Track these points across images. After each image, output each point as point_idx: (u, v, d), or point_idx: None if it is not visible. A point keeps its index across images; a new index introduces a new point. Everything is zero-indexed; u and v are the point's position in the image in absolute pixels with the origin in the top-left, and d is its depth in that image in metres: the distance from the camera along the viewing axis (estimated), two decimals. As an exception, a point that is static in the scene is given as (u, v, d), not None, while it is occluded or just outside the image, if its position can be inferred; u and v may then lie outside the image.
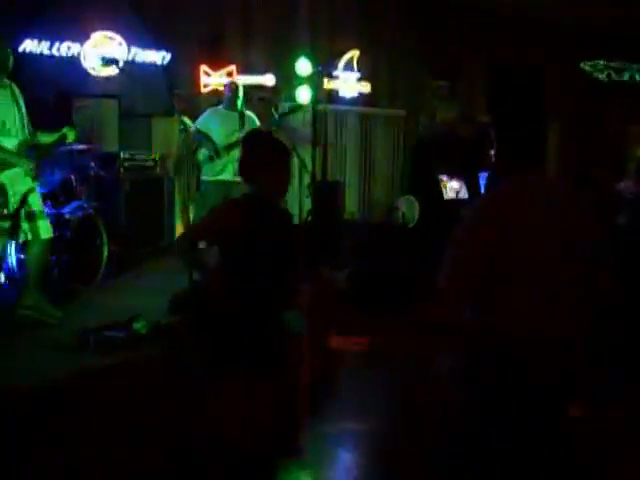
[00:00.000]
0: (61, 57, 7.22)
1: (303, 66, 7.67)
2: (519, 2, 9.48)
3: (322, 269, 6.32)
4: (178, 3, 8.02)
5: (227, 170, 6.47)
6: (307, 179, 7.00)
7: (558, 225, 2.42)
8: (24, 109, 4.82)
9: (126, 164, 6.96)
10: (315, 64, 7.63)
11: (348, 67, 9.03)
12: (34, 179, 4.75)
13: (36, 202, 4.79)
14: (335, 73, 8.93)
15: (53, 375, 3.93)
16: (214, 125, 6.47)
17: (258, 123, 6.67)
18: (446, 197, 9.01)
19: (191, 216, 7.51)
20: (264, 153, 3.20)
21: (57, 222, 5.53)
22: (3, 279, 5.23)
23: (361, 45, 9.18)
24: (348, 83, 9.08)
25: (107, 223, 5.94)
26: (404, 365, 4.46)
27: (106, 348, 4.21)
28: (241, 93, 6.67)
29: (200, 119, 6.57)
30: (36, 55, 7.07)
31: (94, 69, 7.34)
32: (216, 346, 3.11)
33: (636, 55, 11.13)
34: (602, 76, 11.31)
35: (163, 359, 4.04)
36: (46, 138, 4.98)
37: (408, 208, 8.85)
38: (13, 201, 4.66)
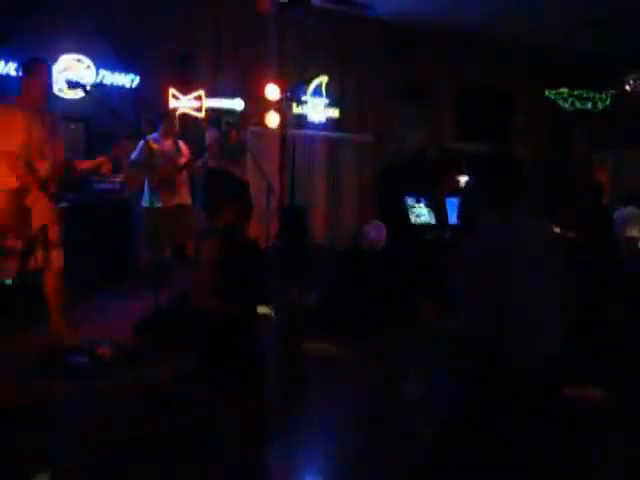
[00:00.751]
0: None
1: (272, 91, 7.74)
2: (487, 29, 9.67)
3: (290, 291, 6.35)
4: (147, 26, 8.06)
5: (173, 196, 6.54)
6: (274, 203, 7.06)
7: (545, 255, 2.63)
8: (61, 135, 4.92)
9: (93, 187, 6.94)
10: (284, 89, 7.70)
11: (317, 92, 9.11)
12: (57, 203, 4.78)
13: (55, 231, 4.82)
14: (303, 98, 9.00)
15: (14, 399, 3.89)
16: (157, 153, 6.51)
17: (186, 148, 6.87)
18: (413, 221, 9.08)
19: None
20: (221, 190, 3.31)
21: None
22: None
23: (329, 70, 9.28)
24: (316, 108, 9.16)
25: (75, 246, 5.90)
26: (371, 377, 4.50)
27: (72, 373, 4.17)
28: (177, 122, 6.92)
29: (140, 148, 6.57)
30: (3, 76, 7.04)
31: (62, 92, 7.33)
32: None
33: (599, 83, 11.42)
34: (566, 104, 11.56)
35: (128, 384, 4.02)
36: (81, 164, 5.06)
37: (376, 232, 8.90)
38: (39, 220, 4.68)
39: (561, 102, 11.53)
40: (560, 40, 9.94)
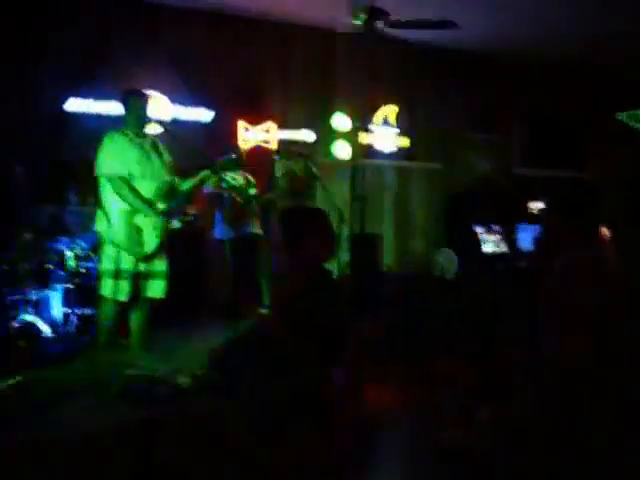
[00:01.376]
0: (105, 115, 7.44)
1: (341, 121, 7.80)
2: (553, 52, 9.55)
3: (361, 322, 6.31)
4: (218, 61, 8.26)
5: (246, 225, 6.72)
6: (345, 232, 7.06)
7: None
8: (167, 158, 5.15)
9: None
10: (353, 119, 7.74)
11: (385, 122, 9.14)
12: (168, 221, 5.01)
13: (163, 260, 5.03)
14: (372, 128, 9.04)
15: (92, 429, 3.98)
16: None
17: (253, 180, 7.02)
18: (484, 250, 8.97)
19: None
20: (302, 226, 3.29)
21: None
22: (49, 331, 5.36)
23: (397, 100, 9.31)
24: (385, 137, 9.18)
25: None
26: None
27: (150, 401, 4.23)
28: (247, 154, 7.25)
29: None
30: (81, 114, 7.30)
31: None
32: (265, 400, 3.15)
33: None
34: (640, 126, 11.28)
35: (205, 415, 4.05)
36: (185, 185, 5.23)
37: (446, 261, 8.82)
38: (152, 245, 4.89)
39: (634, 124, 11.25)
40: (630, 59, 9.72)
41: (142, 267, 4.92)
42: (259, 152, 8.08)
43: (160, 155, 5.12)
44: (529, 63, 9.96)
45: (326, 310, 3.23)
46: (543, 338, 2.56)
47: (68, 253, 5.79)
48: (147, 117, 5.12)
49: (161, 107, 7.64)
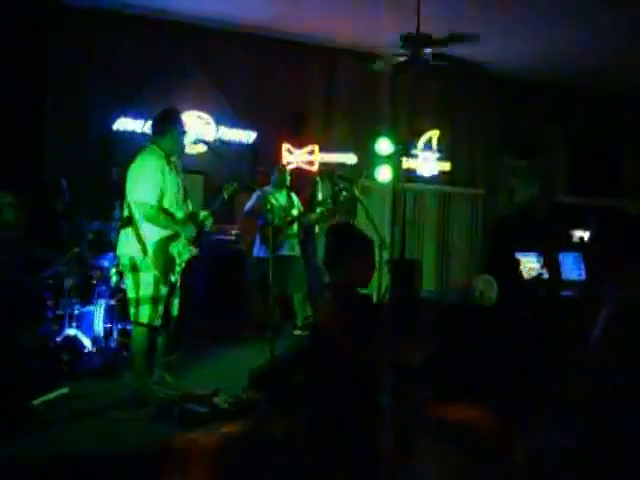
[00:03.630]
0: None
1: (383, 145, 7.81)
2: (599, 79, 9.47)
3: (401, 348, 6.27)
4: (263, 84, 8.36)
5: (283, 246, 6.67)
6: (385, 255, 7.05)
7: None
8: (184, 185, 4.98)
9: (210, 237, 7.17)
10: (395, 143, 7.75)
11: (427, 146, 9.14)
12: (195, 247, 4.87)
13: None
14: (414, 152, 9.05)
15: (133, 445, 4.01)
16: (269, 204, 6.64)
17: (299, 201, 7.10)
18: (525, 277, 8.87)
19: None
20: (346, 246, 3.27)
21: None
22: (90, 346, 5.44)
23: (440, 124, 9.31)
24: (427, 162, 9.17)
25: (189, 296, 6.09)
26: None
27: (189, 421, 4.25)
28: (288, 175, 7.09)
29: (254, 200, 6.73)
30: (129, 133, 7.44)
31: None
32: (311, 424, 3.14)
33: None
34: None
35: (244, 436, 4.06)
36: (202, 214, 5.04)
37: (486, 287, 8.74)
38: (178, 270, 4.82)
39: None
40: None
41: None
42: (302, 174, 8.12)
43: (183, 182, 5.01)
44: (573, 91, 9.89)
45: (363, 335, 3.22)
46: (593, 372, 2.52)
47: (112, 269, 5.88)
48: (182, 139, 4.93)
49: (206, 128, 7.75)
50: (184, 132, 4.94)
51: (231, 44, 8.16)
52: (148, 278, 4.63)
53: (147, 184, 4.58)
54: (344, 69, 8.91)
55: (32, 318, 5.32)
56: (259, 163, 8.12)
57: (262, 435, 3.97)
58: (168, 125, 4.80)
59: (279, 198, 6.92)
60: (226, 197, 5.11)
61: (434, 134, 9.16)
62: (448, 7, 7.02)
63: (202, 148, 7.43)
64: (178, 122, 4.87)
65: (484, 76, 9.45)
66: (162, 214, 4.61)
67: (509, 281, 8.70)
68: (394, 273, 7.19)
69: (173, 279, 4.82)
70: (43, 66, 6.60)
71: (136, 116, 7.48)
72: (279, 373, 4.73)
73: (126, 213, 4.71)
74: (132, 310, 4.73)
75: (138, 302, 4.65)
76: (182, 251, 4.79)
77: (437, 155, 9.21)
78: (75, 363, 5.26)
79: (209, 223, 5.05)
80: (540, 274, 8.89)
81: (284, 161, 8.07)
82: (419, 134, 9.13)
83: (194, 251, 4.87)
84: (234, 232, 7.46)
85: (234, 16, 7.70)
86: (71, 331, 5.43)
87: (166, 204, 4.66)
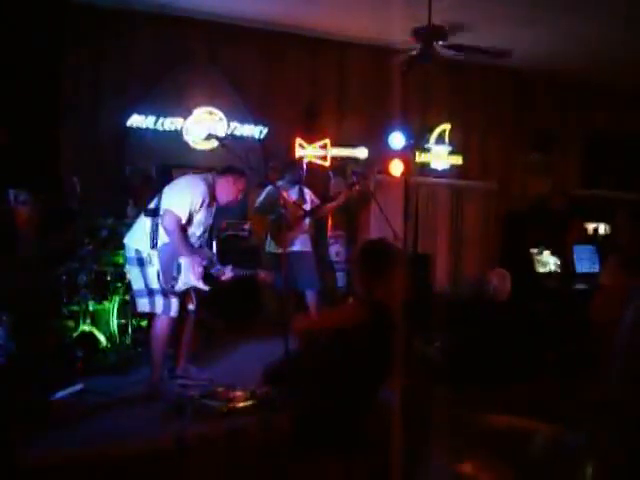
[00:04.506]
0: (164, 131, 7.59)
1: (396, 139, 7.79)
2: (615, 72, 9.39)
3: (414, 344, 6.27)
4: (275, 80, 8.36)
5: (296, 242, 6.63)
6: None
7: None
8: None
9: (222, 234, 7.18)
10: (407, 137, 7.73)
11: (440, 140, 9.11)
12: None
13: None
14: (427, 146, 9.02)
15: (147, 440, 4.03)
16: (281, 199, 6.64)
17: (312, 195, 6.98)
18: (538, 271, 8.83)
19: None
20: (378, 265, 3.28)
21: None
22: (105, 342, 5.46)
23: (453, 118, 9.27)
24: (439, 156, 9.14)
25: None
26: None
27: (203, 416, 4.26)
28: (303, 171, 7.05)
29: (265, 195, 6.74)
30: (142, 129, 7.47)
31: (195, 143, 7.68)
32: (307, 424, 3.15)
33: None
34: None
35: (259, 431, 4.07)
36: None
37: (500, 281, 8.70)
38: (182, 285, 4.86)
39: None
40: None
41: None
42: (314, 168, 8.12)
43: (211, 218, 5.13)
44: (587, 84, 9.83)
45: (379, 338, 3.21)
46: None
47: (126, 265, 5.90)
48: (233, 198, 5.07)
49: (218, 123, 7.76)
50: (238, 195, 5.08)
51: (243, 40, 8.15)
52: (154, 272, 4.76)
53: (186, 200, 4.74)
54: (356, 63, 8.90)
55: (48, 315, 5.35)
56: (271, 158, 8.12)
57: (276, 430, 3.97)
58: (229, 181, 5.02)
59: (291, 193, 6.90)
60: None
61: (446, 128, 9.12)
62: (460, 0, 6.98)
63: (214, 144, 7.44)
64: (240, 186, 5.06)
65: (497, 68, 9.40)
66: (179, 231, 4.73)
67: (523, 275, 8.67)
68: (407, 268, 7.17)
69: (178, 288, 4.88)
70: (57, 64, 6.62)
71: (149, 113, 7.49)
72: (292, 369, 4.73)
73: (153, 205, 4.85)
74: (141, 301, 4.85)
75: (151, 293, 4.79)
76: (188, 270, 4.83)
77: (450, 149, 9.18)
78: (90, 359, 5.29)
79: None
80: (554, 268, 8.87)
81: (296, 156, 8.06)
82: (431, 128, 9.10)
83: (203, 286, 4.92)
84: (246, 228, 7.46)
85: (246, 12, 7.69)
86: (86, 327, 5.46)
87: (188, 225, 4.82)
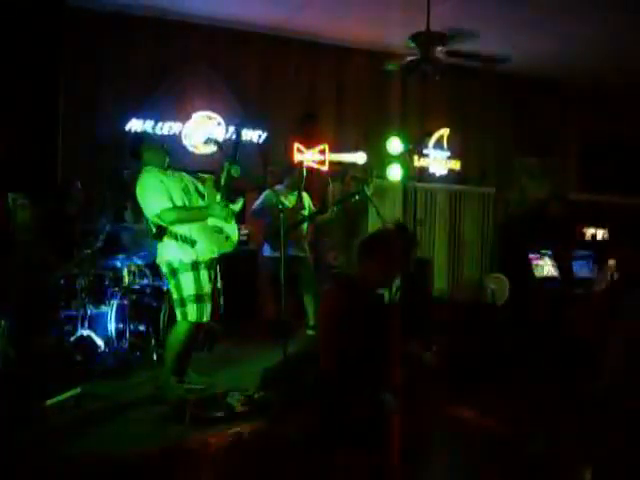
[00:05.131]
0: (163, 135, 7.59)
1: (394, 144, 7.80)
2: (613, 76, 9.41)
3: (412, 348, 6.27)
4: (273, 84, 8.38)
5: (291, 246, 6.58)
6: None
7: None
8: (202, 189, 5.11)
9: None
10: (406, 142, 7.74)
11: (438, 145, 9.12)
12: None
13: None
14: (425, 151, 9.03)
15: (145, 446, 4.02)
16: (279, 203, 6.64)
17: (310, 201, 7.09)
18: (537, 275, 8.85)
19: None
20: (363, 247, 3.32)
21: (155, 293, 5.82)
22: (103, 347, 5.46)
23: (451, 123, 9.28)
24: (438, 161, 9.15)
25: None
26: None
27: (201, 422, 4.26)
28: (304, 176, 7.05)
29: (263, 199, 6.74)
30: (141, 134, 7.46)
31: (194, 147, 7.69)
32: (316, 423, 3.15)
33: None
34: None
35: (257, 435, 4.06)
36: (234, 206, 5.09)
37: (498, 286, 8.72)
38: (233, 233, 5.02)
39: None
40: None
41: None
42: (313, 174, 8.13)
43: (196, 187, 5.12)
44: (585, 88, 9.85)
45: (374, 334, 3.23)
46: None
47: (124, 270, 5.91)
48: (168, 163, 5.02)
49: (217, 128, 7.77)
50: (158, 145, 5.07)
51: (242, 44, 8.17)
52: (188, 277, 4.76)
53: (154, 193, 4.75)
54: (354, 68, 8.90)
55: (46, 319, 5.35)
56: (270, 163, 8.14)
57: (274, 435, 3.97)
58: (137, 149, 5.02)
59: (290, 198, 6.91)
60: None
61: (445, 133, 9.13)
62: (459, 5, 7.00)
63: (212, 148, 7.44)
64: (144, 141, 5.15)
65: (495, 73, 9.42)
66: (182, 210, 4.78)
67: (521, 280, 8.69)
68: (405, 273, 7.18)
69: (232, 243, 5.02)
70: (56, 67, 6.63)
71: (148, 117, 7.49)
72: (291, 373, 4.74)
73: (153, 230, 4.86)
74: (178, 310, 4.85)
75: (183, 302, 4.79)
76: (223, 221, 4.90)
77: (448, 154, 9.19)
78: (88, 363, 5.29)
79: (236, 171, 5.00)
80: (552, 273, 8.88)
81: (295, 161, 8.07)
82: (430, 133, 9.10)
83: (236, 205, 4.99)
84: (244, 232, 7.46)
85: (244, 16, 7.70)
86: (84, 332, 5.46)
87: (178, 203, 4.82)
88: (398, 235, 3.51)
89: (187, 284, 4.76)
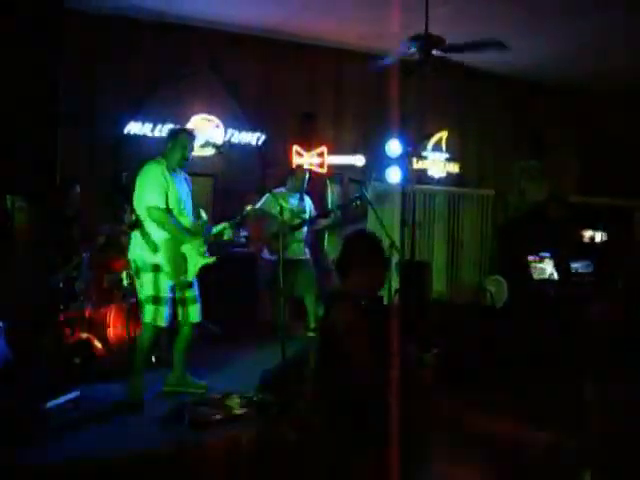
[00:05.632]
0: (161, 138, 7.58)
1: (393, 147, 7.81)
2: (612, 78, 9.42)
3: (411, 349, 6.25)
4: (272, 87, 8.38)
5: (290, 249, 6.59)
6: (396, 258, 7.04)
7: None
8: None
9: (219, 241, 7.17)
10: (405, 145, 7.75)
11: (437, 148, 9.13)
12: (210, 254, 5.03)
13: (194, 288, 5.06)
14: (424, 153, 9.04)
15: (144, 448, 4.01)
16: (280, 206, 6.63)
17: (311, 204, 7.04)
18: (535, 277, 8.84)
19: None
20: (360, 253, 3.28)
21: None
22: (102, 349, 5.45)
23: (449, 126, 9.29)
24: (437, 163, 9.16)
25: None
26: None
27: (200, 424, 4.25)
28: (305, 179, 6.99)
29: (263, 201, 6.74)
30: (139, 136, 7.47)
31: (192, 150, 7.67)
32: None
33: None
34: None
35: (256, 438, 4.06)
36: (218, 227, 5.24)
37: (496, 288, 8.72)
38: (192, 271, 4.94)
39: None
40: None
41: (180, 294, 4.98)
42: (312, 176, 8.13)
43: (190, 193, 5.20)
44: (585, 90, 9.85)
45: (373, 340, 3.22)
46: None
47: (122, 272, 5.90)
48: (190, 156, 5.17)
49: (216, 131, 7.77)
50: (188, 149, 5.13)
51: (241, 47, 8.17)
52: (148, 278, 4.80)
53: (153, 188, 4.81)
54: (353, 71, 8.91)
55: (45, 321, 5.34)
56: (268, 165, 8.14)
57: (274, 437, 3.97)
58: (173, 142, 5.04)
59: (291, 201, 6.89)
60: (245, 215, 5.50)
61: (443, 135, 9.14)
62: (457, 8, 7.01)
63: (211, 151, 7.46)
64: (183, 139, 5.09)
65: (494, 74, 9.43)
66: (170, 218, 4.83)
67: (519, 282, 8.68)
68: (404, 275, 7.19)
69: (185, 279, 4.92)
70: (56, 70, 6.62)
71: (147, 120, 7.49)
72: (290, 375, 4.74)
73: (134, 217, 4.91)
74: (141, 310, 4.89)
75: (142, 302, 4.85)
76: (192, 254, 4.92)
77: (447, 156, 9.20)
78: (87, 366, 5.27)
79: (228, 234, 5.27)
80: (551, 274, 8.87)
81: (293, 163, 8.07)
82: (429, 135, 9.12)
83: (209, 259, 5.00)
84: (243, 235, 7.46)
85: (244, 19, 7.70)
86: (83, 334, 5.45)
87: (171, 206, 4.88)
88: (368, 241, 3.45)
89: (147, 284, 4.80)
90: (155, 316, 4.80)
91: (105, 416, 4.52)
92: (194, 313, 5.04)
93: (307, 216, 6.95)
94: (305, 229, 6.94)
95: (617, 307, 7.21)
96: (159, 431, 4.29)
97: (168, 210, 4.83)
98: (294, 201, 6.89)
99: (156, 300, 4.80)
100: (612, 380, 5.35)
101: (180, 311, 5.01)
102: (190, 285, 5.01)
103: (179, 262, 4.85)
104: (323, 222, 7.13)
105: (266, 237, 6.87)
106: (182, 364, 5.08)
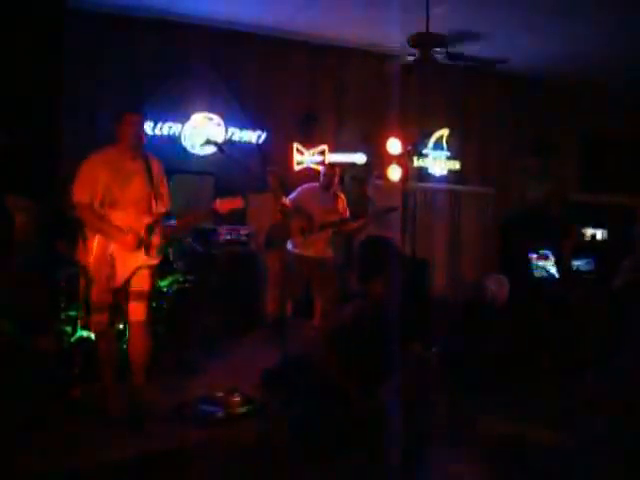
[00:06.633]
0: (162, 136, 7.60)
1: (394, 145, 7.80)
2: (612, 76, 9.41)
3: (412, 348, 6.26)
4: (273, 85, 8.38)
5: (313, 247, 6.54)
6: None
7: None
8: (163, 184, 4.67)
9: (221, 239, 7.19)
10: (405, 143, 7.74)
11: (438, 145, 9.12)
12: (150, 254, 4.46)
13: (139, 283, 4.49)
14: (425, 151, 9.03)
15: (149, 445, 4.02)
16: (312, 202, 6.58)
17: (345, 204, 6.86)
18: (536, 275, 8.84)
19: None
20: (379, 261, 3.31)
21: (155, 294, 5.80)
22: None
23: (450, 123, 9.29)
24: (437, 161, 9.16)
25: (202, 296, 6.11)
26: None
27: (203, 422, 4.26)
28: (337, 178, 6.81)
29: (297, 194, 6.69)
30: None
31: (194, 148, 7.69)
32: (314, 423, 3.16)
33: None
34: None
35: (258, 436, 4.06)
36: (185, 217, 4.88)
37: (497, 286, 8.70)
38: (121, 277, 4.43)
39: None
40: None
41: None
42: (312, 174, 8.13)
43: (150, 178, 4.57)
44: (585, 88, 9.84)
45: (376, 340, 3.24)
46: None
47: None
48: (140, 138, 4.63)
49: (217, 129, 7.77)
50: (136, 130, 4.64)
51: (242, 45, 8.18)
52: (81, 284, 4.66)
53: (82, 186, 4.49)
54: (354, 69, 8.91)
55: (46, 320, 5.34)
56: (269, 163, 8.12)
57: (275, 435, 3.98)
58: (121, 124, 4.63)
59: (323, 199, 6.72)
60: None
61: (444, 133, 9.14)
62: (458, 6, 7.01)
63: (211, 149, 7.46)
64: (132, 122, 4.60)
65: (495, 73, 9.41)
66: (94, 215, 4.42)
67: (521, 280, 8.67)
68: (405, 273, 7.17)
69: (115, 287, 4.47)
70: (58, 68, 6.62)
71: (148, 118, 7.47)
72: (292, 372, 4.74)
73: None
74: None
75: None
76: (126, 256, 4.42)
77: (447, 154, 9.19)
78: (87, 365, 5.27)
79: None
80: (552, 273, 8.88)
81: (294, 161, 8.06)
82: (429, 133, 9.12)
83: (153, 259, 4.50)
84: (244, 232, 7.46)
85: (245, 17, 7.71)
86: (83, 333, 5.45)
87: (111, 205, 4.45)
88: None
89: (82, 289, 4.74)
90: (89, 323, 4.75)
91: (106, 415, 4.51)
92: (136, 311, 4.58)
93: (335, 217, 6.73)
94: (333, 229, 6.73)
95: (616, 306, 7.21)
96: (159, 430, 4.29)
97: (93, 205, 4.50)
98: (326, 199, 6.72)
99: (87, 307, 4.70)
100: (612, 380, 5.35)
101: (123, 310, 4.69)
102: (131, 281, 4.55)
103: (105, 268, 4.43)
104: (351, 227, 6.90)
105: (292, 231, 6.69)
106: (140, 371, 4.70)
